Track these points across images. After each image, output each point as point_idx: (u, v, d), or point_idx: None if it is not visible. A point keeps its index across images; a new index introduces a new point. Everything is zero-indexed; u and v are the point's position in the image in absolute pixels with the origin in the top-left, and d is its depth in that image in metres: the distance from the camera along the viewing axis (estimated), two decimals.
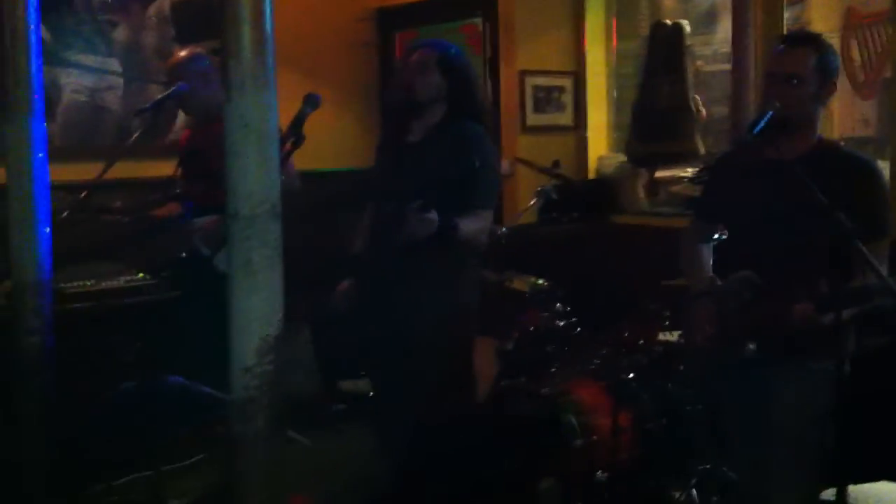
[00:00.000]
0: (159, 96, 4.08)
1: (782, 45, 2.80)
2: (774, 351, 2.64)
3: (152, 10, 5.03)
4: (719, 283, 2.82)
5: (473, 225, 3.27)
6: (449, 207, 3.12)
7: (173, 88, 4.02)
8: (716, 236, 3.09)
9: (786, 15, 4.70)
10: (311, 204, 3.88)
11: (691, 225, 3.17)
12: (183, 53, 4.10)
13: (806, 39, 2.80)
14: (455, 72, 3.39)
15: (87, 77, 4.81)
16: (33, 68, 2.98)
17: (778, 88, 2.70)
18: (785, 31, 4.68)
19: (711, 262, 3.02)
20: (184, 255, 3.87)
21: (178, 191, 4.02)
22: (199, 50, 4.07)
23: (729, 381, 2.81)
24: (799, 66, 2.69)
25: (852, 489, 2.65)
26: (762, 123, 2.59)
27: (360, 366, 4.29)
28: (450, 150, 3.29)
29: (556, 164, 4.40)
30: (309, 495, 3.10)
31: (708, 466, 3.33)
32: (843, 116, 5.25)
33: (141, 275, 4.04)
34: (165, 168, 4.06)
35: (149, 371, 2.70)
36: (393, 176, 3.41)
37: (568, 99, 5.62)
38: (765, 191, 2.73)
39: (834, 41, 5.02)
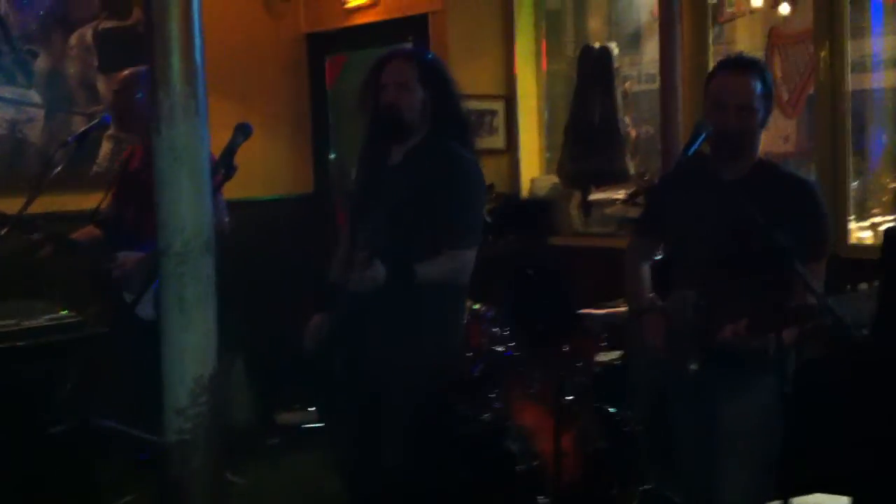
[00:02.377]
0: (83, 128, 3.98)
1: (727, 72, 2.81)
2: (717, 367, 2.65)
3: (74, 39, 4.92)
4: (659, 302, 2.83)
5: (441, 267, 3.01)
6: (419, 244, 2.93)
7: (96, 120, 3.94)
8: (657, 256, 3.11)
9: (711, 35, 4.79)
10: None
11: (632, 243, 3.18)
12: (126, 72, 3.94)
13: (750, 65, 2.83)
14: (438, 84, 3.13)
15: (7, 109, 4.67)
16: None
17: (726, 116, 2.72)
18: (710, 51, 4.77)
19: (650, 282, 3.03)
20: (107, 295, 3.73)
21: (100, 216, 3.91)
22: (144, 68, 3.91)
23: (675, 398, 2.82)
24: (748, 96, 2.73)
25: (795, 501, 2.69)
26: (696, 145, 2.62)
27: (306, 395, 4.18)
28: (435, 178, 3.03)
29: (489, 188, 4.38)
30: None
31: (649, 487, 3.33)
32: (765, 133, 5.35)
33: (65, 311, 3.92)
34: (91, 200, 3.96)
35: (80, 411, 2.60)
36: (368, 203, 3.17)
37: (500, 122, 5.64)
38: (707, 210, 2.75)
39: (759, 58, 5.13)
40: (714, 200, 2.70)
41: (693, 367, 2.65)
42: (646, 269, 3.06)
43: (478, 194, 3.18)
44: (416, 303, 3.00)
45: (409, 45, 4.38)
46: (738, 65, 2.85)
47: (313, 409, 4.58)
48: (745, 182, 2.69)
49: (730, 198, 2.58)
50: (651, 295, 2.92)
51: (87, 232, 4.02)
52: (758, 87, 2.74)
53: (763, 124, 2.81)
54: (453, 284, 3.12)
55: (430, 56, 3.26)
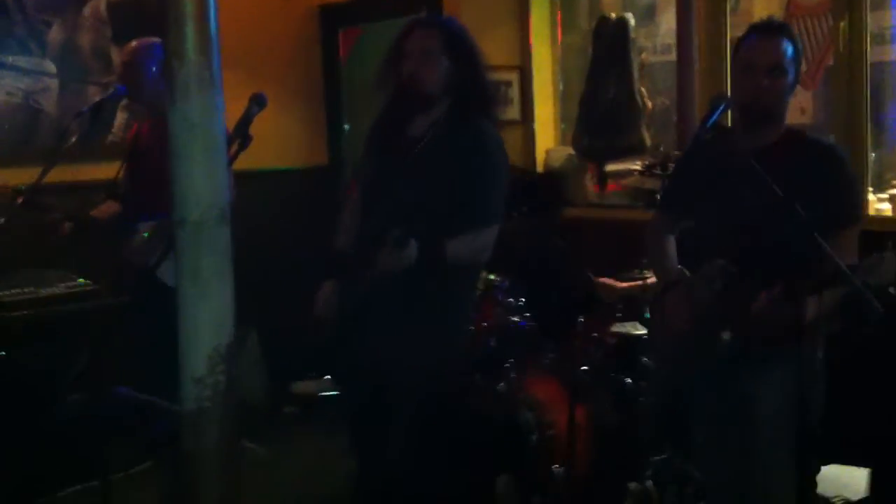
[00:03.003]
0: (98, 98, 3.98)
1: (757, 35, 2.77)
2: (749, 339, 2.60)
3: (88, 10, 4.91)
4: (688, 273, 2.79)
5: (470, 245, 2.97)
6: (446, 224, 2.87)
7: (111, 91, 3.93)
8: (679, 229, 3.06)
9: (728, 6, 4.74)
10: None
11: (656, 218, 3.14)
12: (135, 43, 3.91)
13: (780, 29, 2.78)
14: (464, 55, 3.03)
15: (21, 79, 4.67)
16: None
17: (756, 80, 2.68)
18: (727, 22, 4.72)
19: (675, 255, 2.99)
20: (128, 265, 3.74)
21: (118, 190, 3.92)
22: (154, 39, 3.88)
23: (703, 372, 2.77)
24: (778, 57, 2.69)
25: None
26: (714, 117, 2.59)
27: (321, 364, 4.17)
28: (458, 155, 2.95)
29: None
30: None
31: (663, 458, 3.34)
32: None
33: (81, 280, 3.94)
34: (106, 171, 3.97)
35: (96, 381, 2.62)
36: (389, 173, 3.08)
37: (514, 93, 5.60)
38: (733, 181, 2.70)
39: None
40: (739, 170, 2.64)
41: (725, 337, 2.59)
42: (671, 243, 3.00)
43: (503, 171, 3.11)
44: (436, 279, 2.95)
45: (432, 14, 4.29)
46: (769, 28, 2.81)
47: (328, 377, 4.58)
48: (771, 150, 2.65)
49: (754, 167, 2.54)
50: (679, 267, 2.87)
51: (106, 208, 4.02)
52: (788, 49, 2.71)
53: (791, 90, 2.77)
54: (475, 261, 3.08)
55: (455, 24, 3.16)
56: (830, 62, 4.58)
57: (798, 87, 4.95)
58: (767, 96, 2.69)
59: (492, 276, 4.10)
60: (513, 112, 5.60)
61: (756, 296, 2.52)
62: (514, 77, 5.61)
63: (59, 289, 3.79)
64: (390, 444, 3.11)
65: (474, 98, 3.06)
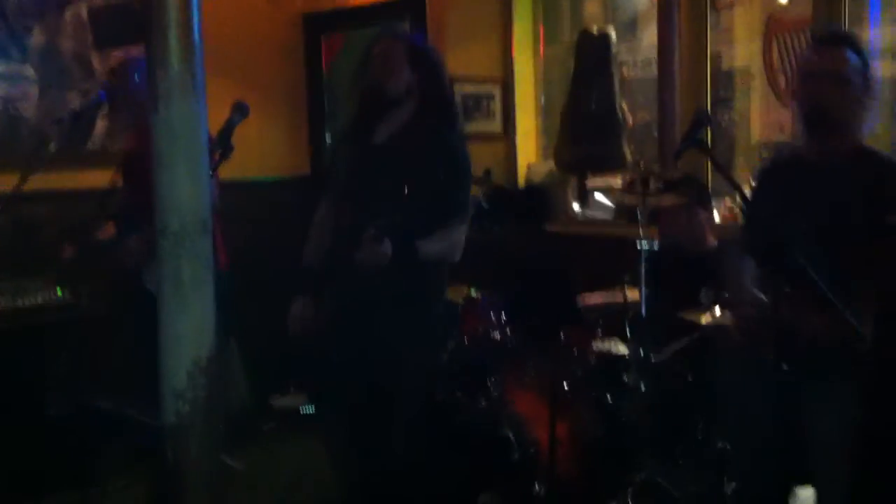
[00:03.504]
0: (78, 105, 3.94)
1: (818, 44, 2.74)
2: (808, 364, 2.54)
3: (69, 15, 4.86)
4: (763, 299, 2.70)
5: (442, 243, 3.10)
6: (416, 222, 2.94)
7: (93, 97, 3.89)
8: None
9: (709, 22, 4.76)
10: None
11: (739, 239, 3.01)
12: (122, 55, 3.87)
13: (843, 38, 2.74)
14: (426, 65, 3.17)
15: (1, 85, 4.62)
16: None
17: (818, 88, 2.63)
18: (708, 38, 4.74)
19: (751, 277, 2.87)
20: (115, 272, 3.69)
21: (110, 210, 3.86)
22: (139, 52, 3.85)
23: (764, 396, 2.67)
24: (840, 65, 2.63)
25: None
26: (697, 132, 2.57)
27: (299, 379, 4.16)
28: (422, 157, 3.07)
29: (487, 173, 4.37)
30: None
31: (644, 475, 3.33)
32: (760, 121, 5.35)
33: (60, 292, 3.89)
34: (87, 178, 3.92)
35: (75, 393, 2.58)
36: (356, 182, 3.18)
37: (496, 106, 5.61)
38: (806, 200, 2.63)
39: (755, 47, 5.11)
40: (812, 189, 2.57)
41: (784, 367, 2.53)
42: (748, 264, 2.89)
43: (465, 171, 3.21)
44: (409, 277, 3.02)
45: (402, 25, 4.32)
46: (831, 37, 2.77)
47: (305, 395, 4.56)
48: (848, 164, 2.58)
49: (827, 186, 2.48)
50: (753, 294, 2.77)
51: (110, 230, 3.95)
52: (852, 58, 2.64)
53: (860, 103, 2.67)
54: (447, 262, 3.18)
55: (420, 39, 3.28)
56: None
57: (773, 104, 5.04)
58: (828, 104, 2.60)
59: (473, 292, 4.09)
60: (494, 125, 5.60)
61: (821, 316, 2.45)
62: (496, 90, 5.61)
63: (37, 300, 3.75)
64: (375, 454, 3.12)
65: (436, 105, 3.17)
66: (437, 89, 3.19)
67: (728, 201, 4.60)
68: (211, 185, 3.43)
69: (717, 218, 4.30)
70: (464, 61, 5.46)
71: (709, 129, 2.78)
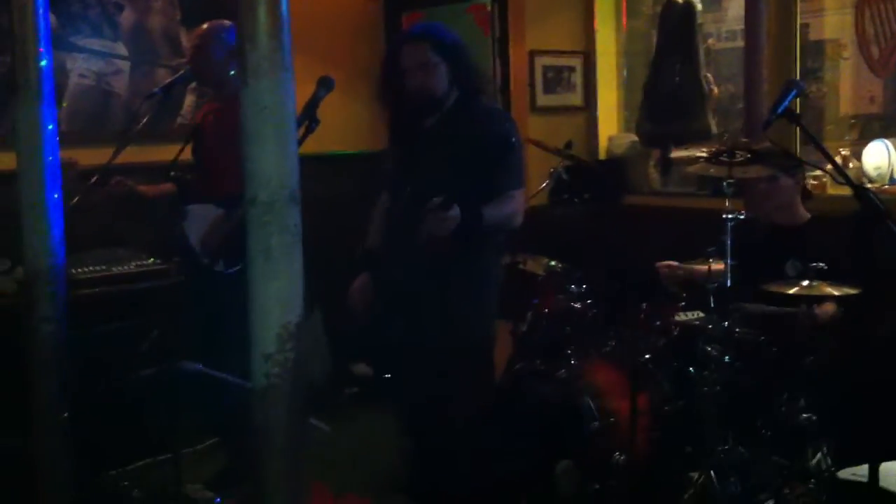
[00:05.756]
0: (168, 80, 4.04)
1: None
2: None
3: None
4: None
5: (503, 209, 3.20)
6: (476, 191, 3.04)
7: (181, 72, 3.98)
8: None
9: None
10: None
11: None
12: (204, 27, 3.95)
13: None
14: (455, 54, 3.29)
15: (94, 61, 4.77)
16: (43, 52, 2.94)
17: None
18: (797, 9, 4.64)
19: None
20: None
21: (173, 173, 3.97)
22: (223, 22, 3.93)
23: None
24: None
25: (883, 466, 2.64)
26: (786, 102, 2.55)
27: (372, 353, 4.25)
28: (475, 129, 3.20)
29: (568, 144, 4.36)
30: (329, 482, 3.09)
31: (726, 448, 3.31)
32: (850, 93, 5.22)
33: (152, 260, 4.02)
34: (175, 152, 4.03)
35: (165, 357, 2.69)
36: (411, 163, 3.32)
37: (578, 79, 5.58)
38: None
39: (846, 18, 4.98)
40: None
41: None
42: None
43: (518, 139, 3.31)
44: (473, 244, 3.16)
45: (419, 24, 4.35)
46: None
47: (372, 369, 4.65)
48: None
49: None
50: None
51: (158, 188, 4.07)
52: None
53: None
54: (509, 226, 3.29)
55: (439, 28, 3.37)
56: None
57: (868, 75, 4.91)
58: None
59: (553, 263, 4.10)
60: (575, 98, 5.58)
61: None
62: (577, 63, 5.59)
63: (131, 267, 3.88)
64: (448, 424, 3.19)
65: (473, 86, 3.33)
66: (470, 70, 3.35)
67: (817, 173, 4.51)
68: None
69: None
70: (545, 34, 5.44)
71: (797, 100, 2.74)
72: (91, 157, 3.82)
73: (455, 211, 2.97)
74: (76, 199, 3.45)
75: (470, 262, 3.20)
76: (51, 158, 2.95)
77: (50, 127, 2.93)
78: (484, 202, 3.13)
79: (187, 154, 3.96)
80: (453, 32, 3.39)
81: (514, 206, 3.26)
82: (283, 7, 1.92)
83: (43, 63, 2.94)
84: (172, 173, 3.93)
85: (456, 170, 3.08)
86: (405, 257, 3.22)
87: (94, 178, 3.63)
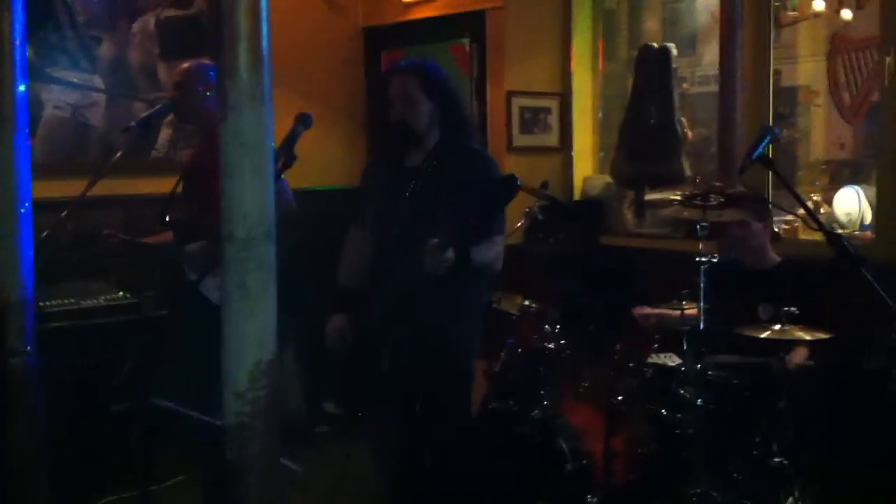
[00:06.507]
0: (145, 114, 4.02)
1: None
2: None
3: (137, 26, 4.99)
4: None
5: (488, 253, 3.23)
6: (467, 233, 3.03)
7: (158, 106, 3.96)
8: None
9: (772, 38, 4.73)
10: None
11: None
12: (186, 64, 3.95)
13: None
14: (442, 92, 3.32)
15: (70, 93, 4.75)
16: (18, 84, 2.92)
17: None
18: (771, 55, 4.71)
19: None
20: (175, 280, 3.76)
21: (168, 219, 3.93)
22: (205, 61, 3.92)
23: None
24: None
25: None
26: (761, 147, 2.58)
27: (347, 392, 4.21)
28: (462, 175, 3.21)
29: (544, 184, 4.37)
30: None
31: (699, 490, 3.30)
32: (821, 139, 5.30)
33: (122, 294, 3.98)
34: (150, 185, 4.01)
35: (136, 392, 2.65)
36: (397, 203, 3.31)
37: (554, 120, 5.62)
38: None
39: (820, 65, 5.07)
40: None
41: None
42: None
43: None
44: (467, 286, 3.24)
45: (414, 58, 4.38)
46: None
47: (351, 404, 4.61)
48: None
49: None
50: None
51: (160, 237, 4.03)
52: None
53: None
54: (492, 269, 3.32)
55: (429, 66, 3.39)
56: (875, 98, 4.56)
57: (839, 121, 4.98)
58: None
59: (527, 302, 4.10)
60: (552, 139, 5.62)
61: None
62: (553, 104, 5.63)
63: (100, 301, 3.83)
64: (417, 461, 3.18)
65: (459, 125, 3.35)
66: (457, 110, 3.37)
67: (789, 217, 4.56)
68: (284, 186, 3.51)
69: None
70: (523, 75, 5.49)
71: (770, 145, 2.77)
72: (65, 189, 3.79)
73: (451, 252, 3.00)
74: (46, 232, 3.41)
75: (462, 292, 3.25)
76: (23, 191, 2.93)
77: (22, 159, 2.92)
78: (474, 243, 3.15)
79: (160, 188, 3.92)
80: (445, 73, 3.41)
81: (498, 251, 3.30)
82: (264, 43, 1.92)
83: (18, 95, 2.93)
84: (168, 218, 3.89)
85: (447, 209, 3.07)
86: (391, 296, 3.22)
87: (66, 210, 3.59)
